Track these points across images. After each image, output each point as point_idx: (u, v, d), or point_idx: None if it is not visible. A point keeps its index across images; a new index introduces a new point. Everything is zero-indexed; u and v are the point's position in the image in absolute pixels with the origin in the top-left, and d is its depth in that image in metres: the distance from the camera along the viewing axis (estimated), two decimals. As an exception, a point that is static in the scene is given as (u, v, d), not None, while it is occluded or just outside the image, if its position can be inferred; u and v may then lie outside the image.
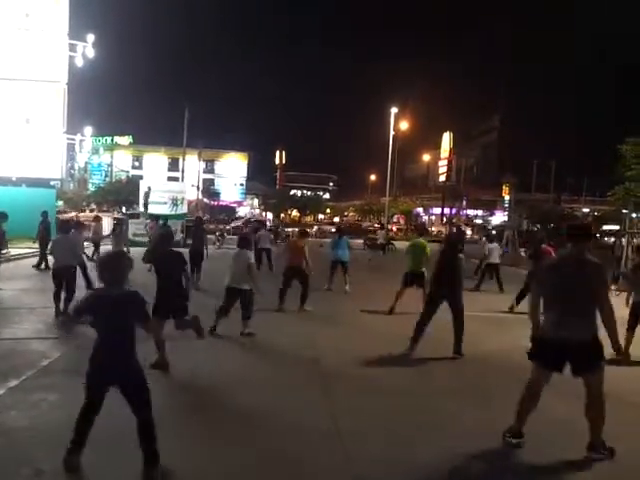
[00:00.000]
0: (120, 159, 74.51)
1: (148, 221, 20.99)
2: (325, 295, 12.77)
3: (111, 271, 3.99)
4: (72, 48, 26.25)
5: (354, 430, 4.92)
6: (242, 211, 74.89)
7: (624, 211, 20.28)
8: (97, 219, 20.62)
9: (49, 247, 11.23)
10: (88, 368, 3.88)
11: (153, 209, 27.64)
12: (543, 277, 4.87)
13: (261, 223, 20.28)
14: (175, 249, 7.05)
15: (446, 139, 61.29)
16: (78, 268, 10.01)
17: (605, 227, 54.28)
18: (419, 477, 4.20)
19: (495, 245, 16.02)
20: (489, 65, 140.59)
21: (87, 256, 13.06)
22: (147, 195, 28.15)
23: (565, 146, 73.90)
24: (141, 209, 29.94)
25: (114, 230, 17.90)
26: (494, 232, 26.52)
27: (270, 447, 4.52)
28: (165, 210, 28.11)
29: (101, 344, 3.90)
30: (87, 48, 26.27)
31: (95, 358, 3.89)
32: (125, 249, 14.66)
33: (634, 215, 20.82)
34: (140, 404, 3.94)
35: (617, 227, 35.76)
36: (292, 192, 76.43)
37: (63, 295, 9.15)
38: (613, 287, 16.06)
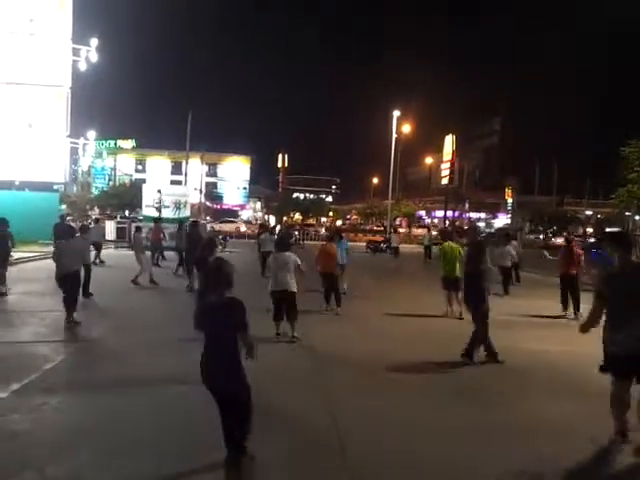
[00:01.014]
0: (123, 163, 74.66)
1: (152, 225, 20.93)
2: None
3: (211, 278, 4.03)
4: (75, 52, 26.42)
5: (354, 430, 4.92)
6: (245, 214, 74.93)
7: (627, 213, 20.23)
8: (97, 221, 20.70)
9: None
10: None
11: (155, 212, 27.68)
12: (601, 289, 4.81)
13: (263, 227, 20.30)
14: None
15: (448, 142, 61.16)
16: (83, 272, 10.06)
17: (608, 229, 54.06)
18: (419, 478, 4.21)
19: (509, 248, 15.67)
20: (491, 68, 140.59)
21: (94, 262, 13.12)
22: (160, 199, 28.10)
23: (567, 148, 73.87)
24: (144, 212, 29.98)
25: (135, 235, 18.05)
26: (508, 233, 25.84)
27: (269, 447, 4.52)
28: (168, 213, 28.16)
29: (205, 351, 3.99)
30: (90, 52, 26.43)
31: (201, 365, 3.99)
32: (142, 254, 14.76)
33: (637, 217, 20.76)
34: (236, 420, 4.10)
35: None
36: (295, 195, 76.42)
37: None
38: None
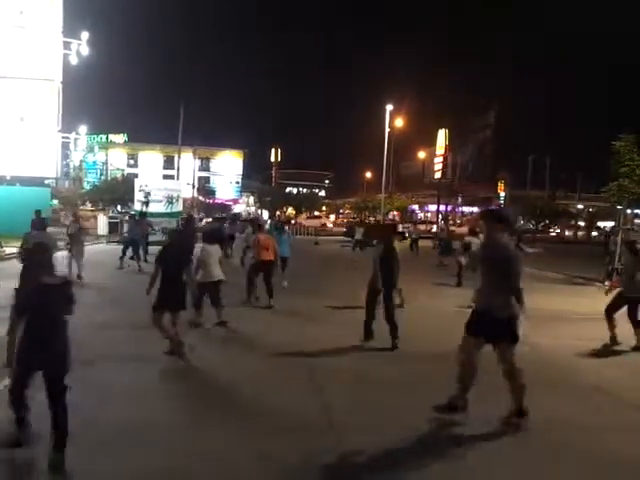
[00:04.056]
0: (115, 157, 74.21)
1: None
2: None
3: (38, 260, 4.07)
4: (66, 46, 26.18)
5: (347, 423, 4.97)
6: (238, 208, 74.77)
7: (618, 207, 20.32)
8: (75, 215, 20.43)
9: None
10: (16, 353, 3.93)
11: (148, 207, 27.66)
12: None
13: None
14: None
15: (441, 136, 61.39)
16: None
17: (600, 223, 54.64)
18: (413, 469, 4.25)
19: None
20: (486, 62, 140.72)
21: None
22: (147, 194, 28.13)
23: (560, 142, 74.16)
24: (137, 207, 29.91)
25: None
26: None
27: (264, 444, 4.55)
28: (161, 208, 28.17)
29: (28, 331, 3.93)
30: (81, 46, 26.17)
31: (22, 344, 3.93)
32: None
33: (629, 211, 20.90)
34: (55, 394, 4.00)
35: (612, 223, 35.95)
36: (288, 189, 76.39)
37: None
38: (607, 283, 16.19)
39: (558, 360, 7.47)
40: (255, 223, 13.96)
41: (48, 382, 3.98)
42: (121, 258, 15.92)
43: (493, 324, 4.84)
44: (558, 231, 57.01)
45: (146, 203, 27.48)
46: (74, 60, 26.24)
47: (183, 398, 5.65)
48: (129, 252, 16.31)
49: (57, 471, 3.90)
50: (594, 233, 54.62)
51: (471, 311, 5.16)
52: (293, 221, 41.44)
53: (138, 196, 29.39)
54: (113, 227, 30.29)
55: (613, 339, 8.11)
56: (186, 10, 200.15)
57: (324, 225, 49.30)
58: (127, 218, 17.92)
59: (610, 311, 8.18)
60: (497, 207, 34.55)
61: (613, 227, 27.36)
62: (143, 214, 20.90)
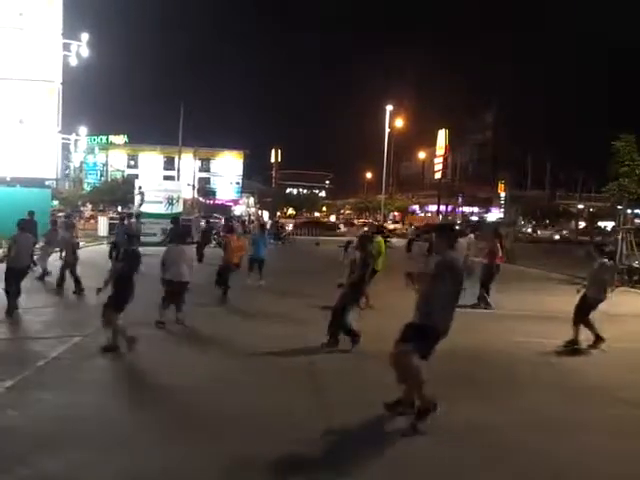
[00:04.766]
0: (115, 158, 74.26)
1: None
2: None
3: None
4: (66, 47, 26.13)
5: (346, 422, 4.97)
6: (238, 209, 74.76)
7: (619, 207, 20.32)
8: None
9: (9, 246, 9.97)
10: None
11: (149, 208, 27.77)
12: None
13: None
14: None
15: (441, 136, 61.45)
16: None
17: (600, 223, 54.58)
18: (412, 468, 4.25)
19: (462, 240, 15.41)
20: (485, 63, 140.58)
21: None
22: (142, 197, 28.26)
23: (561, 142, 74.02)
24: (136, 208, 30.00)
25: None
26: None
27: (263, 444, 4.55)
28: (161, 209, 28.21)
29: None
30: (81, 47, 26.14)
31: None
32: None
33: (629, 211, 20.89)
34: None
35: (612, 223, 35.94)
36: (288, 190, 76.52)
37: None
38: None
39: (560, 359, 7.53)
40: (228, 225, 14.34)
41: None
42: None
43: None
44: (529, 231, 55.52)
45: (139, 206, 27.58)
46: (74, 61, 26.23)
47: (182, 398, 5.65)
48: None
49: None
50: (564, 232, 54.09)
51: (432, 332, 4.88)
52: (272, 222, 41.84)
53: (138, 197, 29.50)
54: (113, 228, 30.33)
55: (598, 337, 8.19)
56: (186, 10, 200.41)
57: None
58: (119, 220, 18.08)
59: (585, 317, 8.20)
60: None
61: (613, 227, 27.38)
62: (134, 215, 20.97)
